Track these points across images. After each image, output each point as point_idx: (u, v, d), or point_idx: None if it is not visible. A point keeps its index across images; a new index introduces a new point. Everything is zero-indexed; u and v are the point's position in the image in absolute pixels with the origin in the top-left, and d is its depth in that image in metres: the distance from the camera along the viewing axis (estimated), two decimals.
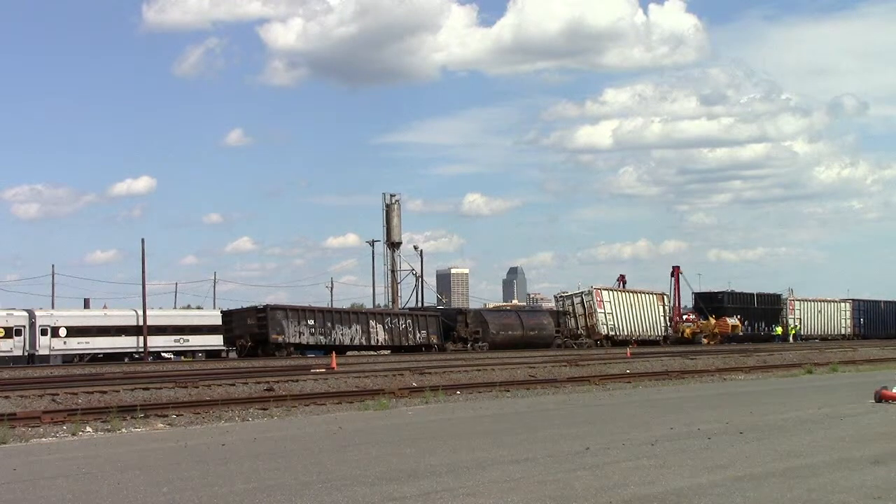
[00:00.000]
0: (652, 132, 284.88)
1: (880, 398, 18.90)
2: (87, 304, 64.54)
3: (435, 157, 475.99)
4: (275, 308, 56.02)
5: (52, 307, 63.22)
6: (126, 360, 49.96)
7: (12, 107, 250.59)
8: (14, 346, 48.13)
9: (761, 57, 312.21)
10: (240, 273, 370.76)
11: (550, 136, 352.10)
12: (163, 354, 53.18)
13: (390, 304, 75.53)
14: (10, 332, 48.16)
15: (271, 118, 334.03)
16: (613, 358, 44.87)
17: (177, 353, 53.97)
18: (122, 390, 24.99)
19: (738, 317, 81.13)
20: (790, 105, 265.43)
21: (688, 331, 78.54)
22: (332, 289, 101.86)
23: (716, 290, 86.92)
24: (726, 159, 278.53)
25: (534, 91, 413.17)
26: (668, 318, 78.70)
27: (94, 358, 49.68)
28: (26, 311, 50.39)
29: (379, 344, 59.81)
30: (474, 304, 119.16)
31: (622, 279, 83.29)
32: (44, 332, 48.82)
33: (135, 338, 52.05)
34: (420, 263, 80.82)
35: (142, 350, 51.47)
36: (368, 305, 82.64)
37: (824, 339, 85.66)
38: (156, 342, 52.70)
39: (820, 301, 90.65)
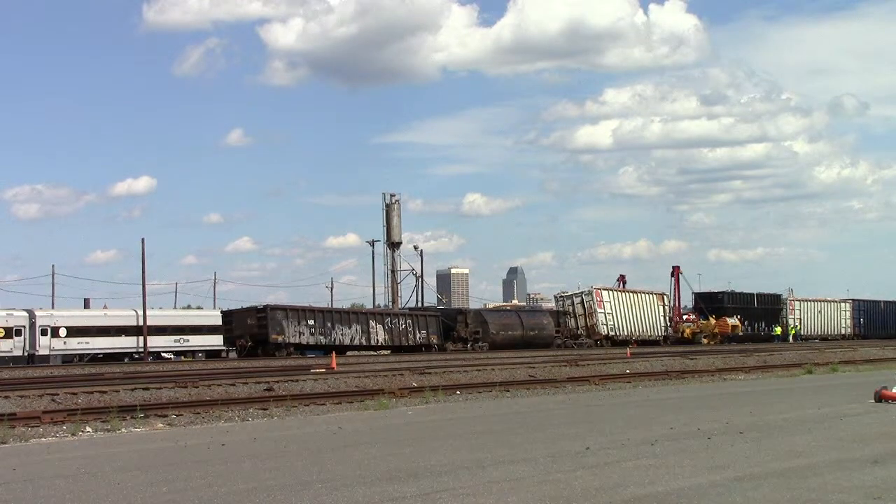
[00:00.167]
0: (652, 132, 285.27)
1: (880, 398, 18.91)
2: (87, 305, 64.58)
3: (435, 157, 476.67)
4: (275, 308, 56.02)
5: (52, 307, 63.20)
6: (126, 360, 49.96)
7: (12, 107, 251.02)
8: (14, 347, 48.11)
9: (761, 57, 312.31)
10: (240, 273, 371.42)
11: (550, 136, 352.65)
12: (163, 354, 53.17)
13: (390, 304, 75.52)
14: (10, 333, 48.14)
15: (271, 118, 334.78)
16: (613, 358, 44.87)
17: (177, 353, 53.95)
18: (121, 390, 24.98)
19: (738, 317, 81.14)
20: (790, 105, 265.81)
21: (688, 331, 78.54)
22: (332, 289, 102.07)
23: (716, 290, 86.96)
24: (726, 159, 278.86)
25: (534, 91, 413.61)
26: (668, 318, 78.70)
27: (94, 358, 49.67)
28: (26, 311, 50.37)
29: (379, 344, 59.80)
30: (474, 304, 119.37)
31: (622, 279, 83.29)
32: (44, 333, 48.81)
33: (135, 338, 52.04)
34: (420, 263, 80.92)
35: (142, 350, 51.47)
36: (368, 305, 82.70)
37: (824, 339, 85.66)
38: (156, 342, 52.69)
39: (820, 301, 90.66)
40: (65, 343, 49.25)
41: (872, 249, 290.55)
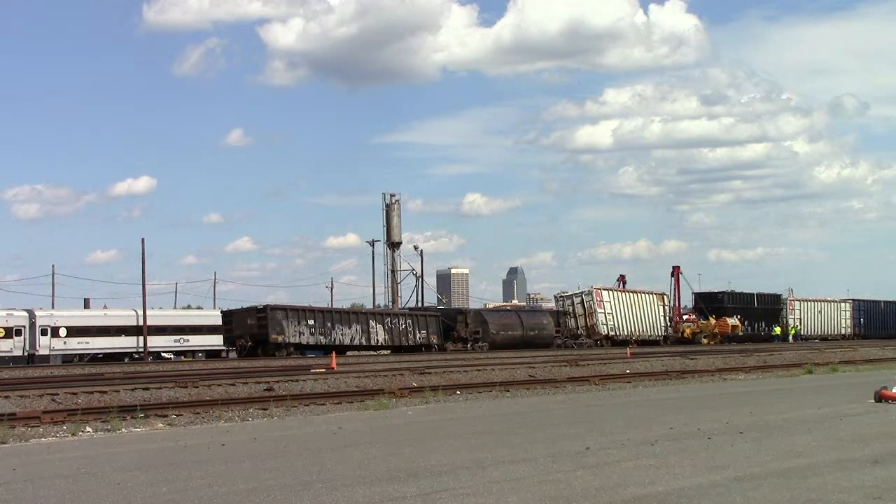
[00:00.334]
0: (652, 132, 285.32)
1: (880, 398, 18.91)
2: (87, 305, 64.55)
3: (435, 157, 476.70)
4: (275, 308, 56.02)
5: (52, 307, 63.20)
6: (126, 360, 49.96)
7: (12, 107, 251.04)
8: (14, 346, 48.11)
9: (761, 57, 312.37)
10: (240, 273, 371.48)
11: (550, 136, 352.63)
12: (163, 354, 53.16)
13: (390, 304, 75.51)
14: (10, 332, 48.15)
15: (271, 118, 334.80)
16: (613, 358, 44.86)
17: (177, 353, 53.95)
18: (122, 390, 24.98)
19: (738, 317, 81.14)
20: (790, 105, 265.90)
21: (688, 331, 78.54)
22: (332, 289, 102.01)
23: (716, 290, 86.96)
24: (726, 159, 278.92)
25: (534, 91, 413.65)
26: (668, 318, 78.70)
27: (94, 358, 49.67)
28: (26, 311, 50.38)
29: (379, 344, 59.80)
30: (474, 304, 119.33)
31: (622, 279, 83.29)
32: (44, 332, 48.82)
33: (135, 338, 52.04)
34: (420, 263, 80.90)
35: (142, 350, 51.47)
36: (368, 305, 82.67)
37: (824, 339, 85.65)
38: (156, 342, 52.69)
39: (820, 301, 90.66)
40: (65, 343, 49.25)
41: (872, 249, 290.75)
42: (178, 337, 54.14)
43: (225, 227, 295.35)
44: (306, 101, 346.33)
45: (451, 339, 63.43)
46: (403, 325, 61.60)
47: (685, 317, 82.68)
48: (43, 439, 16.63)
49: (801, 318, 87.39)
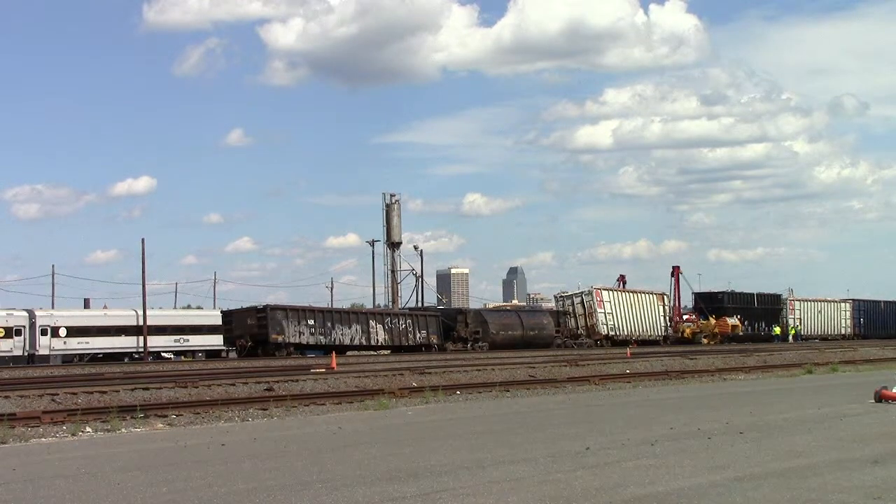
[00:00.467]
0: (652, 132, 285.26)
1: (880, 398, 18.91)
2: (87, 304, 64.55)
3: (435, 157, 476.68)
4: (275, 308, 56.01)
5: (52, 307, 63.20)
6: (126, 360, 49.95)
7: (12, 107, 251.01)
8: (14, 346, 48.10)
9: (761, 57, 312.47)
10: (240, 273, 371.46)
11: (550, 136, 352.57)
12: (163, 354, 53.16)
13: (390, 304, 75.50)
14: (10, 332, 48.14)
15: (271, 118, 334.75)
16: (613, 358, 44.86)
17: (177, 353, 53.95)
18: (122, 390, 24.97)
19: (738, 317, 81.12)
20: (790, 105, 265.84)
21: (688, 331, 78.52)
22: (332, 289, 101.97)
23: (716, 290, 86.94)
24: (726, 159, 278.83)
25: (534, 91, 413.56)
26: (668, 318, 78.69)
27: (94, 358, 49.67)
28: (26, 311, 50.37)
29: (379, 344, 59.80)
30: (474, 304, 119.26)
31: (622, 279, 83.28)
32: (44, 332, 48.81)
33: (135, 338, 52.03)
34: (420, 263, 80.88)
35: (142, 350, 51.47)
36: (368, 305, 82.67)
37: (824, 339, 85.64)
38: (156, 342, 52.68)
39: (820, 301, 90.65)
40: (65, 343, 49.25)
41: (872, 249, 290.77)
42: (178, 337, 54.13)
43: (225, 227, 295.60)
44: (306, 101, 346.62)
45: (451, 339, 63.43)
46: (403, 325, 61.60)
47: (685, 317, 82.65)
48: (43, 439, 16.63)
49: (801, 318, 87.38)
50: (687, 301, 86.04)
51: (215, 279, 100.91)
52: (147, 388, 25.52)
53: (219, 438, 15.23)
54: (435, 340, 62.31)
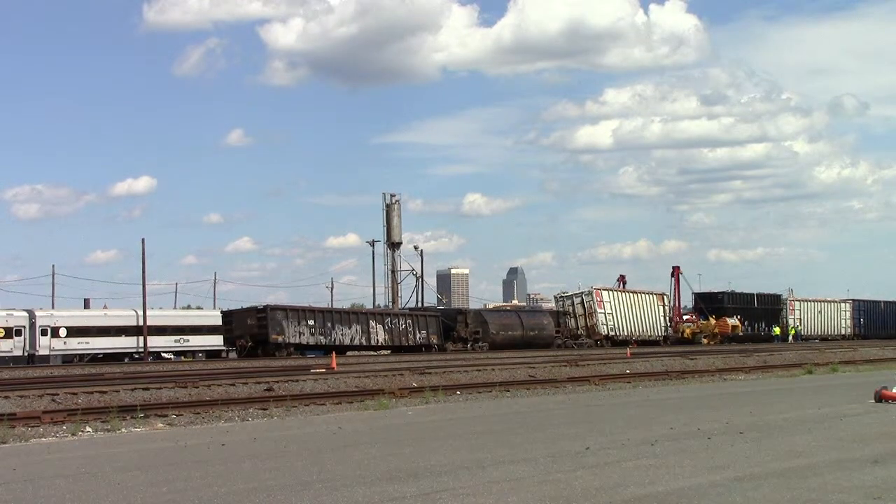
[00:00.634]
0: (652, 132, 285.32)
1: (880, 398, 18.91)
2: (87, 305, 64.53)
3: (435, 157, 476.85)
4: (275, 308, 56.00)
5: (52, 307, 63.18)
6: (126, 360, 49.95)
7: (12, 107, 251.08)
8: (14, 346, 48.10)
9: (761, 57, 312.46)
10: (240, 273, 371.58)
11: (550, 136, 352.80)
12: (163, 354, 53.16)
13: (390, 304, 75.47)
14: (10, 333, 48.13)
15: (271, 118, 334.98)
16: (613, 358, 44.86)
17: (177, 354, 53.95)
18: (122, 390, 24.98)
19: (738, 317, 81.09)
20: (790, 105, 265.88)
21: (688, 331, 78.51)
22: (332, 289, 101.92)
23: (716, 291, 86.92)
24: (726, 159, 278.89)
25: (534, 91, 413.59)
26: (668, 318, 78.67)
27: (94, 358, 49.66)
28: (26, 311, 50.36)
29: (379, 344, 59.78)
30: (474, 304, 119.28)
31: (622, 279, 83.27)
32: (44, 333, 48.80)
33: (135, 338, 52.02)
34: (420, 263, 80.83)
35: (142, 350, 51.46)
36: (368, 305, 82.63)
37: (824, 339, 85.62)
38: (156, 342, 52.67)
39: (820, 301, 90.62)
40: (65, 343, 49.24)
41: (872, 249, 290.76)
42: (178, 337, 54.12)
43: (225, 227, 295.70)
44: (306, 101, 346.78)
45: (451, 339, 63.41)
46: (403, 326, 61.59)
47: (685, 317, 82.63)
48: (43, 439, 16.63)
49: (801, 319, 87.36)
50: (687, 301, 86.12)
51: (215, 279, 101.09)
52: (147, 388, 25.52)
53: (219, 438, 15.23)
54: (435, 341, 62.30)
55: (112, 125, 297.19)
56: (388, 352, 58.71)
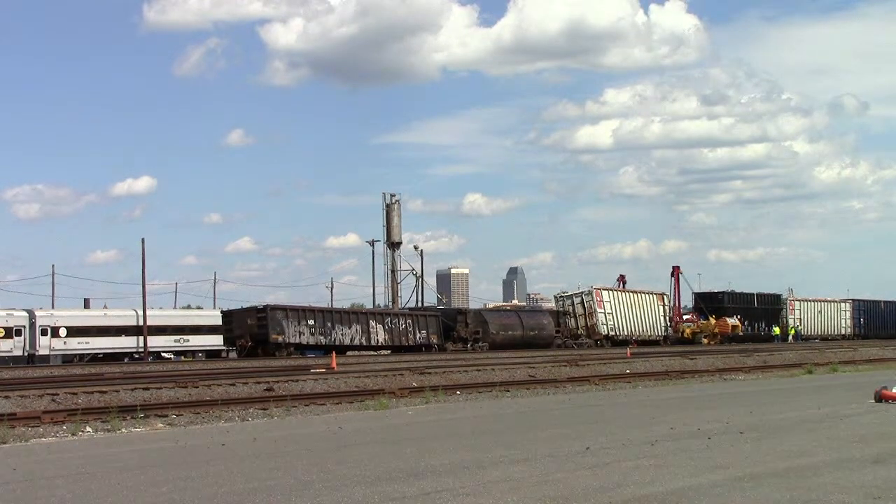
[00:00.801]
0: (652, 132, 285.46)
1: (880, 398, 18.91)
2: (87, 305, 64.46)
3: (435, 157, 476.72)
4: (275, 308, 55.98)
5: (52, 307, 63.13)
6: (126, 360, 49.92)
7: (12, 107, 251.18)
8: (14, 346, 48.07)
9: (761, 57, 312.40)
10: (240, 273, 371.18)
11: (551, 136, 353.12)
12: (163, 354, 53.13)
13: (390, 304, 75.46)
14: (10, 332, 48.11)
15: (272, 118, 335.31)
16: (613, 358, 44.86)
17: (177, 353, 53.92)
18: (122, 390, 24.97)
19: (739, 317, 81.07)
20: (790, 105, 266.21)
21: (688, 331, 78.48)
22: (332, 289, 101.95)
23: (716, 290, 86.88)
24: (727, 159, 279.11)
25: (534, 91, 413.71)
26: (668, 318, 78.65)
27: (94, 358, 49.63)
28: (26, 311, 50.33)
29: (379, 344, 59.76)
30: (474, 304, 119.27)
31: (622, 279, 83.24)
32: (44, 332, 48.77)
33: (135, 338, 52.00)
34: (420, 263, 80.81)
35: (142, 350, 51.45)
36: (368, 305, 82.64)
37: (824, 339, 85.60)
38: (156, 342, 52.64)
39: (820, 301, 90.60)
40: (65, 343, 49.22)
41: (872, 249, 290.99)
42: (178, 337, 54.10)
43: (225, 227, 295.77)
44: (306, 101, 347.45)
45: (451, 339, 63.38)
46: (403, 325, 61.57)
47: (685, 317, 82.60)
48: (43, 439, 16.63)
49: (801, 319, 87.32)
50: (687, 301, 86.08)
51: (215, 279, 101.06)
52: (147, 388, 25.51)
53: (219, 438, 15.23)
54: (435, 340, 62.28)
55: (112, 125, 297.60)
56: (388, 352, 58.68)
